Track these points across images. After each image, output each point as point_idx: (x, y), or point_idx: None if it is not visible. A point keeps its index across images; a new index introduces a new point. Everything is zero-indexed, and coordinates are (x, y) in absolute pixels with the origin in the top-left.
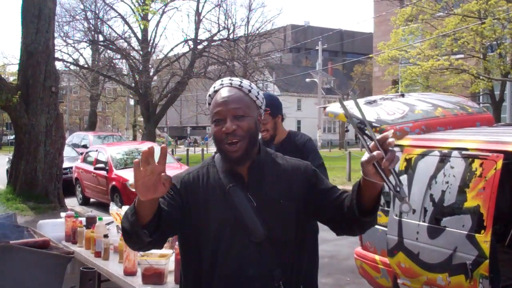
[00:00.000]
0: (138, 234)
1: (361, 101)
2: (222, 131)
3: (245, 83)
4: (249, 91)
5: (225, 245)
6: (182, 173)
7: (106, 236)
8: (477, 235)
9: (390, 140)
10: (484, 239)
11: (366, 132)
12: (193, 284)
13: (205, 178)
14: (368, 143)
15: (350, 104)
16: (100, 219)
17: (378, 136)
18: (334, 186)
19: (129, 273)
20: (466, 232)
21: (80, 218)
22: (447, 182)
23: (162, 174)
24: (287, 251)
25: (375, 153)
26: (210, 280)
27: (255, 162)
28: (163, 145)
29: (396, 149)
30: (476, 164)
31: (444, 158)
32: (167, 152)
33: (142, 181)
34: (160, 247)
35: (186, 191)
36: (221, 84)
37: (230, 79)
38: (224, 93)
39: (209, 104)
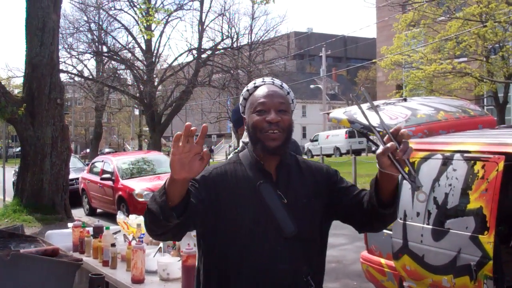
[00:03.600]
0: (166, 215)
1: (364, 106)
2: (265, 120)
3: (285, 85)
4: (288, 93)
5: (257, 240)
6: (208, 168)
7: (113, 245)
8: (480, 236)
9: (403, 131)
10: (488, 240)
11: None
12: (218, 281)
13: (233, 173)
14: (383, 139)
15: (354, 108)
16: (107, 228)
17: (391, 129)
18: (353, 185)
19: (137, 281)
20: (470, 234)
21: (87, 228)
22: (450, 185)
23: (204, 150)
24: (313, 248)
25: (389, 144)
26: (239, 275)
27: (282, 161)
28: (204, 124)
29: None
30: (478, 166)
31: (446, 161)
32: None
33: (179, 156)
34: (180, 238)
35: (215, 186)
36: (263, 81)
37: (272, 79)
38: (268, 88)
39: (245, 99)
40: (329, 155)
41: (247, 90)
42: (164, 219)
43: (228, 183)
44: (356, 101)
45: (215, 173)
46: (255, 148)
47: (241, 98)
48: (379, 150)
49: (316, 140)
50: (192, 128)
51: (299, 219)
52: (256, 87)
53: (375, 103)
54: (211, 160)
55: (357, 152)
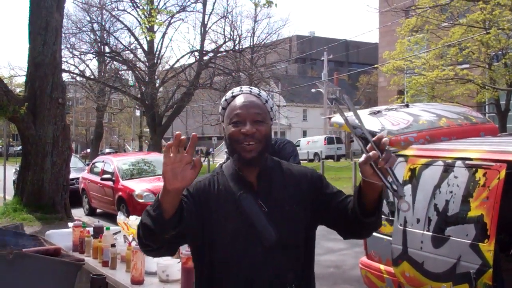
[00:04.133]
0: (162, 227)
1: (365, 111)
2: (240, 132)
3: (263, 93)
4: (266, 101)
5: (240, 251)
6: (192, 182)
7: (113, 245)
8: (480, 244)
9: (384, 139)
10: (488, 248)
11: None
12: None
13: (215, 186)
14: (365, 146)
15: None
16: (108, 228)
17: (374, 138)
18: (339, 190)
19: (136, 282)
20: (470, 241)
21: (87, 228)
22: (451, 192)
23: (195, 158)
24: (298, 256)
25: (371, 153)
26: (224, 286)
27: (263, 169)
28: (194, 133)
29: (400, 159)
30: (479, 173)
31: (448, 168)
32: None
33: (171, 167)
34: (174, 251)
35: (199, 198)
36: (241, 90)
37: (250, 88)
38: (245, 98)
39: (223, 108)
40: (311, 160)
41: (225, 100)
42: (160, 231)
43: (211, 195)
44: (337, 106)
45: (198, 187)
46: (233, 159)
47: (220, 108)
48: (361, 159)
49: (298, 146)
50: (182, 137)
51: (281, 226)
52: (233, 97)
53: (375, 109)
54: (211, 163)
55: (337, 158)
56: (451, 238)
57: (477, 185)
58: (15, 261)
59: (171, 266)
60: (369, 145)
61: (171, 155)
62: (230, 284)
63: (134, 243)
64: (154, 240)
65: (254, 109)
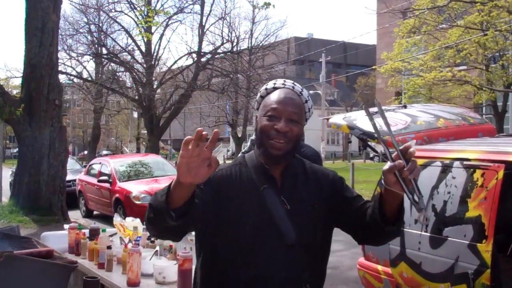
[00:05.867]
0: (164, 214)
1: (362, 112)
2: (274, 127)
3: (305, 92)
4: (306, 101)
5: (258, 246)
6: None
7: (109, 247)
8: (478, 244)
9: (411, 150)
10: (486, 248)
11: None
12: (216, 285)
13: (238, 176)
14: (391, 154)
15: (353, 114)
16: (104, 230)
17: (401, 146)
18: (358, 195)
19: (133, 284)
20: (468, 242)
21: (83, 230)
22: (449, 192)
23: (212, 156)
24: (315, 255)
25: (396, 162)
26: (237, 280)
27: (288, 166)
28: (215, 130)
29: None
30: (477, 174)
31: (446, 169)
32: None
33: (187, 160)
34: (179, 238)
35: (219, 187)
36: (283, 84)
37: (293, 83)
38: (286, 93)
39: (261, 97)
40: None
41: (266, 89)
42: (162, 217)
43: (232, 185)
44: (368, 112)
45: (220, 175)
46: (259, 151)
47: (258, 95)
48: (386, 167)
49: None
50: (204, 132)
51: (302, 226)
52: (274, 88)
53: (373, 109)
54: None
55: None
56: (449, 238)
57: (475, 185)
58: (6, 263)
59: (167, 268)
60: (394, 154)
61: (190, 148)
62: (244, 279)
63: (130, 245)
64: (155, 224)
65: (292, 108)
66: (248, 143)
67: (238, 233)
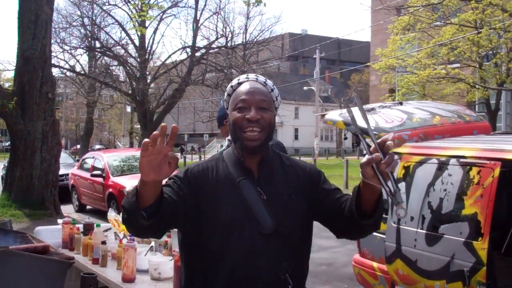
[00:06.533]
0: (136, 215)
1: (357, 109)
2: (245, 117)
3: (269, 82)
4: (272, 90)
5: (235, 236)
6: (190, 165)
7: (104, 242)
8: (474, 242)
9: (389, 143)
10: (482, 246)
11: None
12: (199, 277)
13: (215, 171)
14: (368, 147)
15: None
16: (98, 225)
17: (378, 140)
18: (337, 188)
19: (128, 280)
20: (464, 239)
21: (77, 225)
22: (445, 190)
23: (169, 153)
24: (294, 245)
25: (374, 155)
26: (218, 271)
27: (264, 157)
28: (174, 125)
29: (394, 156)
30: (473, 171)
31: (442, 166)
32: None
33: (148, 158)
34: (159, 236)
35: (196, 182)
36: (247, 78)
37: (256, 76)
38: (251, 85)
39: (229, 95)
40: None
41: (231, 86)
42: (134, 218)
43: (209, 179)
44: (346, 105)
45: (197, 170)
46: (235, 145)
47: (225, 94)
48: (363, 160)
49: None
50: (162, 126)
51: (279, 215)
52: (239, 84)
53: (369, 106)
54: (180, 160)
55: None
56: (444, 236)
57: (471, 183)
58: (1, 259)
59: (163, 263)
60: (372, 147)
61: (149, 147)
62: (223, 270)
63: (125, 240)
64: (130, 224)
65: (259, 96)
66: (226, 143)
67: (216, 224)
